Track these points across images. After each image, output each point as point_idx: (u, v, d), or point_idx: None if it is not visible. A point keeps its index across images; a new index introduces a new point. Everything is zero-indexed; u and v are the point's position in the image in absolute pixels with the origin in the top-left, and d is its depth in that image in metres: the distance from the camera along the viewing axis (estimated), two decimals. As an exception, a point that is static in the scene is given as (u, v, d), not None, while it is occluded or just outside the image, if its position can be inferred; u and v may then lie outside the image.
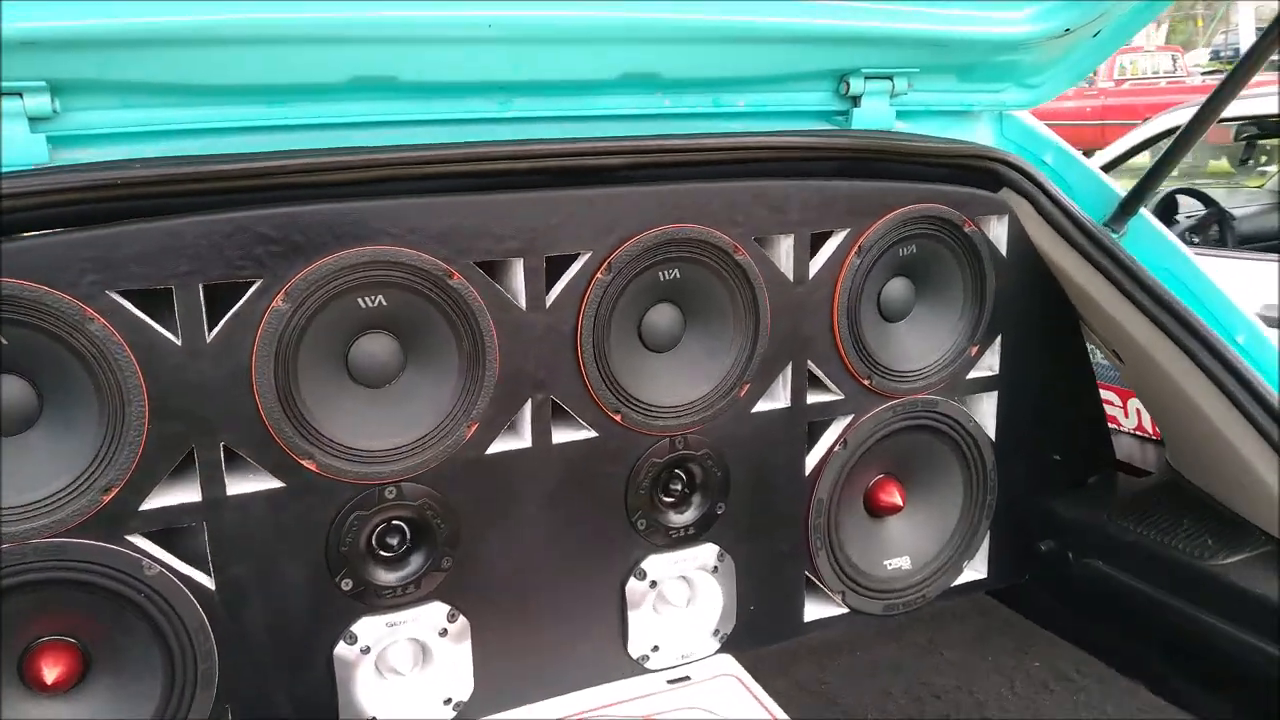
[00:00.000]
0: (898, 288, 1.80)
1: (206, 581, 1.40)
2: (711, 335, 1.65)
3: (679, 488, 1.69)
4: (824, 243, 1.70)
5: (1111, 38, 1.78)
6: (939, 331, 1.84)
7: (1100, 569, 1.88)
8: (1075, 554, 1.93)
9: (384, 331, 1.44)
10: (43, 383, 1.28)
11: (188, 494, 1.37)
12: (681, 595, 1.71)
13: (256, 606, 1.43)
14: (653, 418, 1.61)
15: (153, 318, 1.30)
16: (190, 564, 1.39)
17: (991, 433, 1.93)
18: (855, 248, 1.69)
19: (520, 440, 1.55)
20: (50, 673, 1.33)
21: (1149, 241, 1.81)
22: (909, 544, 1.93)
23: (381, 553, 1.49)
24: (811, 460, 1.79)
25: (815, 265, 1.70)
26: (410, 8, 1.32)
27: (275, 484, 1.40)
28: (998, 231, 1.85)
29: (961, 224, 1.76)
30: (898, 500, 1.87)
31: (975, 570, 2.01)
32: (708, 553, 1.72)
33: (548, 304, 1.51)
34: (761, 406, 1.72)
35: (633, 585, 1.67)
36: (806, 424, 1.76)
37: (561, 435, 1.58)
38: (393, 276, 1.39)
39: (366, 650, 1.49)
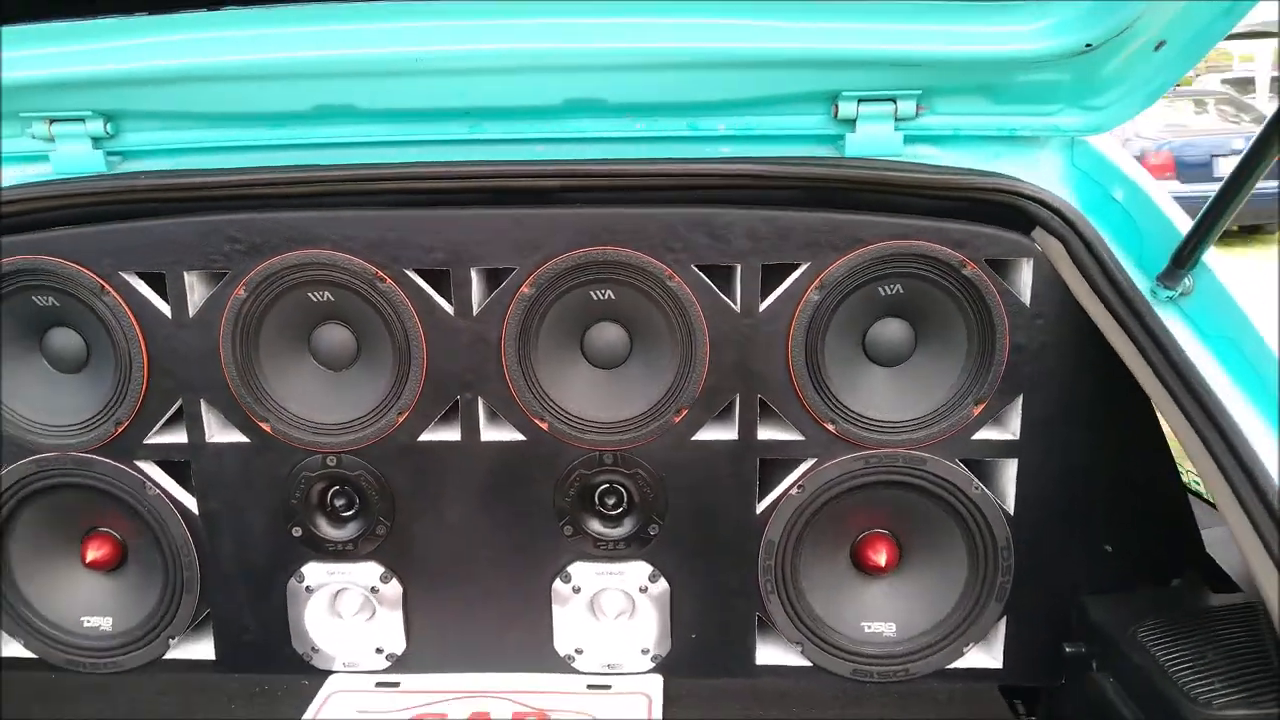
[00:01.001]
0: (892, 330, 1.65)
1: (192, 507, 1.75)
2: (652, 357, 1.66)
3: (615, 502, 1.73)
4: (787, 275, 1.61)
5: (1184, 52, 1.45)
6: (933, 383, 1.65)
7: (1111, 688, 1.56)
8: (1099, 664, 1.62)
9: (340, 323, 1.67)
10: (85, 335, 1.70)
11: (179, 437, 1.72)
12: (613, 607, 1.75)
13: (229, 535, 1.75)
14: (581, 430, 1.67)
15: (156, 295, 1.66)
16: (180, 493, 1.75)
17: (1010, 505, 1.68)
18: (816, 282, 1.58)
19: (452, 433, 1.70)
20: (94, 553, 1.77)
21: (1212, 304, 1.46)
22: (895, 610, 1.76)
23: (328, 511, 1.75)
24: (764, 499, 1.71)
25: (770, 298, 1.62)
26: (347, 47, 1.52)
27: (242, 439, 1.71)
28: (1022, 277, 1.60)
29: (960, 265, 1.56)
30: (883, 560, 1.71)
31: (985, 658, 1.77)
32: (638, 570, 1.73)
33: (475, 312, 1.64)
34: (705, 435, 1.68)
35: (558, 586, 1.74)
36: (757, 460, 1.69)
37: (491, 434, 1.70)
38: (332, 276, 1.62)
39: (310, 590, 1.76)
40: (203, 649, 1.82)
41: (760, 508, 1.71)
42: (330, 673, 1.80)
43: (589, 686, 1.75)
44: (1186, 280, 1.47)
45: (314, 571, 1.76)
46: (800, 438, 1.67)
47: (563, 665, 1.78)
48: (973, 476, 1.66)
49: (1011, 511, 1.68)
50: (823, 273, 1.58)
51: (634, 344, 1.67)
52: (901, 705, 1.70)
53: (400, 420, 1.67)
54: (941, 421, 1.64)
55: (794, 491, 1.68)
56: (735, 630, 1.76)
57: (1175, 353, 1.41)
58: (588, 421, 1.67)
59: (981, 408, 1.63)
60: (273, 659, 1.80)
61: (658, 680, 1.76)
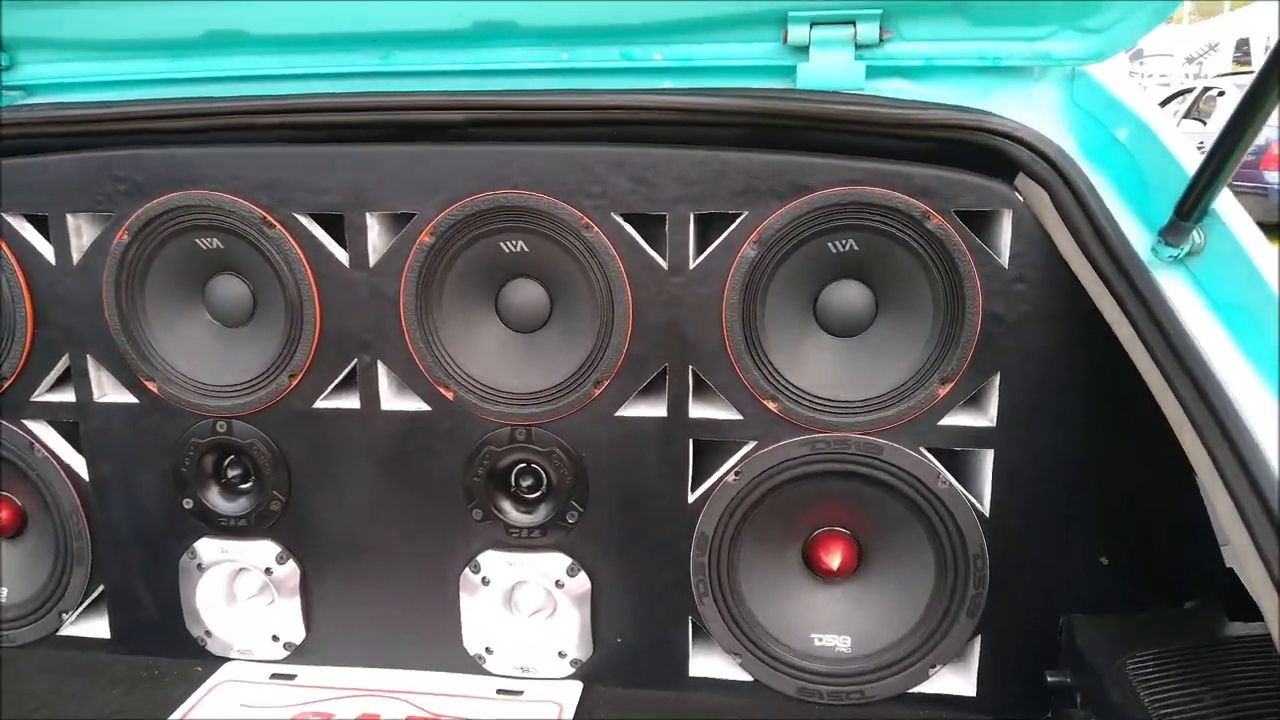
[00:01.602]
0: (847, 295, 1.41)
1: (82, 472, 1.61)
2: (572, 321, 1.46)
3: (531, 484, 1.53)
4: (724, 228, 1.39)
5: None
6: (894, 357, 1.40)
7: (1088, 727, 1.30)
8: (1083, 699, 1.36)
9: (236, 275, 1.52)
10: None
11: (68, 395, 1.59)
12: (528, 603, 1.55)
13: (121, 504, 1.61)
14: (490, 401, 1.48)
15: (42, 238, 1.53)
16: (70, 455, 1.62)
17: (985, 505, 1.43)
18: (754, 236, 1.36)
19: (351, 400, 1.52)
20: (-11, 520, 1.65)
21: (1226, 266, 1.19)
22: (851, 621, 1.51)
23: (223, 482, 1.59)
24: (696, 486, 1.49)
25: (703, 254, 1.40)
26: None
27: (131, 399, 1.57)
28: (1000, 234, 1.35)
29: (924, 218, 1.32)
30: (836, 562, 1.48)
31: (957, 683, 1.51)
32: (555, 563, 1.53)
33: (372, 264, 1.46)
34: (630, 411, 1.47)
35: (467, 577, 1.55)
36: (690, 441, 1.47)
37: (393, 403, 1.52)
38: (219, 220, 1.46)
39: (202, 568, 1.61)
40: (99, 627, 1.69)
41: (693, 496, 1.49)
42: (227, 659, 1.64)
43: (499, 691, 1.55)
44: (1195, 236, 1.20)
45: (206, 548, 1.60)
46: (738, 417, 1.45)
47: (473, 666, 1.58)
48: (940, 469, 1.41)
49: (987, 512, 1.43)
50: (761, 224, 1.36)
51: (554, 305, 1.47)
52: (854, 732, 1.46)
53: (293, 384, 1.50)
54: (902, 403, 1.39)
55: (730, 479, 1.46)
56: (666, 636, 1.55)
57: (1171, 326, 1.15)
58: (497, 391, 1.47)
59: (949, 388, 1.38)
60: (166, 641, 1.65)
61: (576, 688, 1.55)
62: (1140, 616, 1.41)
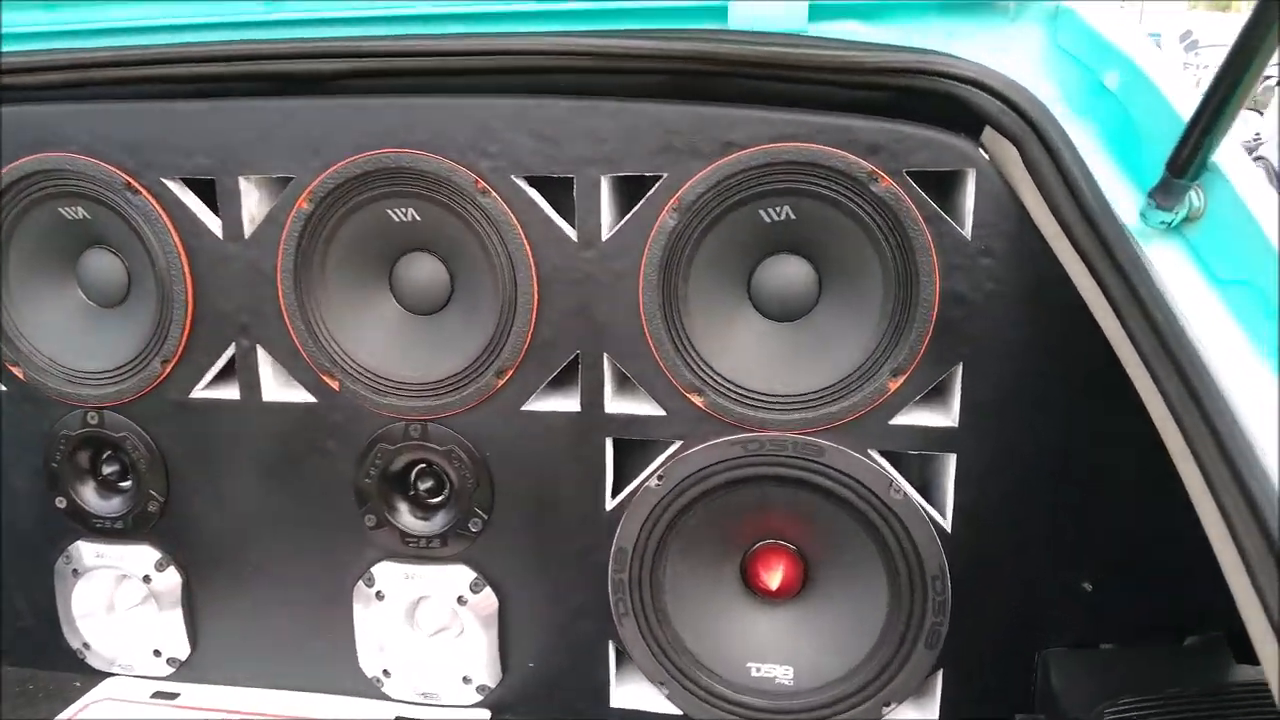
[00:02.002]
0: (786, 272, 1.21)
1: (-49, 469, 1.47)
2: (473, 300, 1.28)
3: (432, 487, 1.35)
4: (645, 192, 1.20)
5: None
6: (839, 345, 1.20)
7: (1056, 788, 1.09)
8: (1058, 753, 1.15)
9: (108, 248, 1.36)
10: None
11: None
12: (430, 622, 1.37)
13: (-6, 503, 1.46)
14: (381, 392, 1.30)
15: None
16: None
17: (946, 519, 1.22)
18: (673, 202, 1.17)
19: (231, 390, 1.35)
20: None
21: (1230, 232, 0.97)
22: (795, 650, 1.32)
23: (99, 479, 1.43)
24: (618, 492, 1.30)
25: (617, 223, 1.21)
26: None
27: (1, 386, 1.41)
28: (963, 199, 1.14)
29: (869, 180, 1.12)
30: (775, 582, 1.28)
31: (915, 722, 1.31)
32: (457, 577, 1.35)
33: (247, 235, 1.29)
34: (539, 405, 1.29)
35: (360, 590, 1.38)
36: (608, 441, 1.28)
37: (276, 394, 1.35)
38: (81, 187, 1.30)
39: (77, 573, 1.45)
40: (-24, 636, 1.55)
41: (612, 504, 1.30)
42: (109, 674, 1.49)
43: (398, 718, 1.38)
44: (1192, 197, 0.99)
45: (83, 552, 1.44)
46: (661, 413, 1.25)
47: (371, 689, 1.41)
48: (892, 475, 1.21)
49: (948, 527, 1.22)
50: (681, 188, 1.16)
51: (455, 284, 1.29)
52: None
53: (166, 371, 1.34)
54: (846, 398, 1.19)
55: (652, 484, 1.26)
56: (584, 662, 1.36)
57: (1157, 308, 0.93)
58: (389, 381, 1.30)
59: (901, 381, 1.17)
60: (46, 653, 1.50)
61: (482, 718, 1.37)
62: (1128, 654, 1.20)
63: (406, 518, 1.35)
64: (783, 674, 1.31)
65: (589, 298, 1.23)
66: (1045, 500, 1.19)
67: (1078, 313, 1.08)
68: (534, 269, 1.22)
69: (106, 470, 1.42)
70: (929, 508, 1.21)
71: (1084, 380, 1.14)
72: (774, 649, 1.31)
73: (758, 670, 1.31)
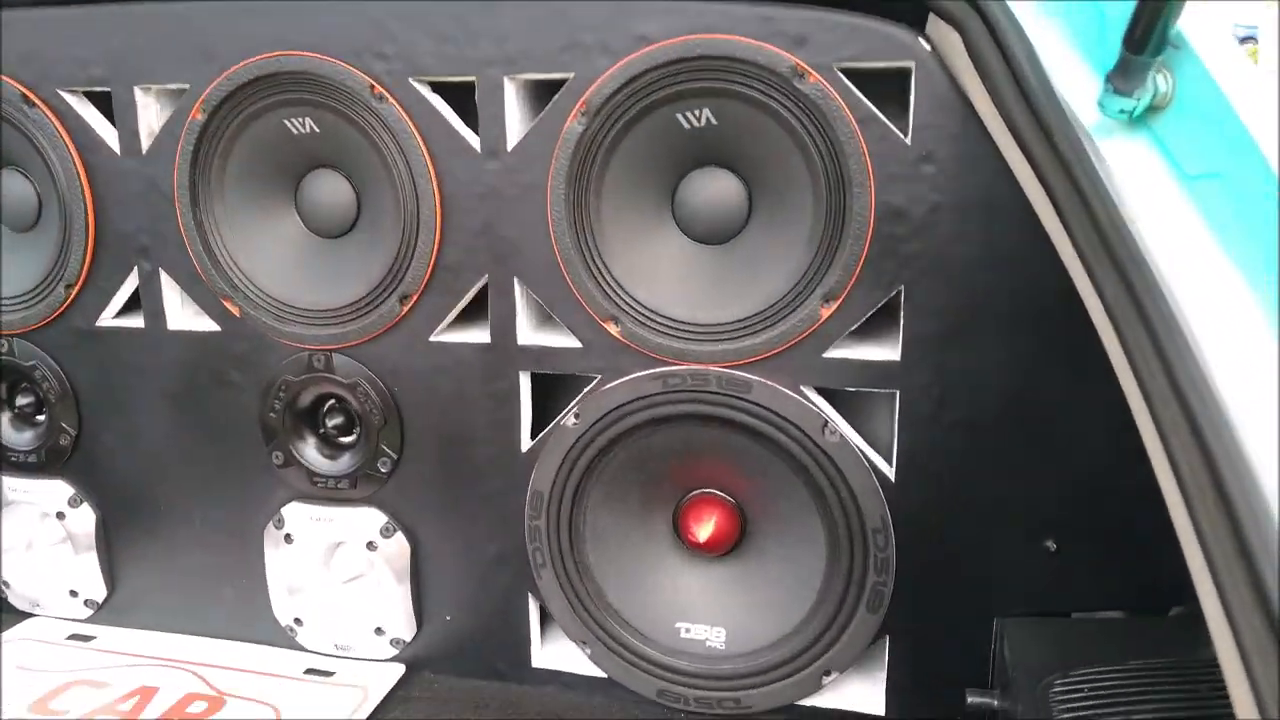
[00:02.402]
0: (713, 188, 1.08)
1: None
2: (379, 223, 1.17)
3: (341, 424, 1.26)
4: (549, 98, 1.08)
5: None
6: (768, 268, 1.07)
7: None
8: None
9: (17, 169, 1.29)
10: None
11: None
12: (342, 568, 1.28)
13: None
14: (283, 320, 1.21)
15: None
16: None
17: (889, 466, 1.08)
18: (580, 105, 1.04)
19: (137, 318, 1.28)
20: None
21: (1200, 118, 0.81)
22: (727, 611, 1.19)
23: (11, 411, 1.38)
24: (529, 431, 1.19)
25: (522, 130, 1.09)
26: None
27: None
28: (899, 97, 1.00)
29: (794, 75, 0.98)
30: (705, 534, 1.15)
31: (860, 696, 1.17)
32: (367, 520, 1.25)
33: (145, 150, 1.21)
34: (448, 336, 1.18)
35: (270, 532, 1.29)
36: (523, 376, 1.17)
37: (181, 322, 1.27)
38: (-22, 100, 1.24)
39: (-7, 511, 1.40)
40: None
41: (529, 444, 1.19)
42: (32, 615, 1.44)
43: (307, 671, 1.29)
44: (1158, 81, 0.83)
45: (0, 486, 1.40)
46: (576, 344, 1.14)
47: (285, 637, 1.33)
48: (827, 415, 1.07)
49: (891, 475, 1.08)
50: (588, 90, 1.04)
51: (362, 203, 1.19)
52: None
53: (71, 296, 1.27)
54: (773, 327, 1.06)
55: (569, 422, 1.15)
56: (504, 617, 1.26)
57: (1106, 217, 0.78)
58: (291, 308, 1.21)
59: (834, 307, 1.04)
60: (-31, 592, 1.46)
61: (395, 673, 1.28)
62: (1099, 624, 1.05)
63: (314, 456, 1.26)
64: (714, 636, 1.18)
65: (496, 215, 1.12)
66: (1001, 444, 1.04)
67: (1032, 227, 0.93)
68: (436, 182, 1.11)
69: (21, 402, 1.37)
70: (870, 452, 1.08)
71: (1042, 306, 0.99)
72: (705, 609, 1.19)
73: (687, 631, 1.19)
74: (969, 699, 1.04)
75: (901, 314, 1.03)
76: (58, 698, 1.24)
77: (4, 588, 1.43)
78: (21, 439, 1.37)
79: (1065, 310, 0.96)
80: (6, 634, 1.39)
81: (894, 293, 1.02)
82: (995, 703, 1.04)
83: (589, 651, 1.22)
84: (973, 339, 1.02)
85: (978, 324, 1.01)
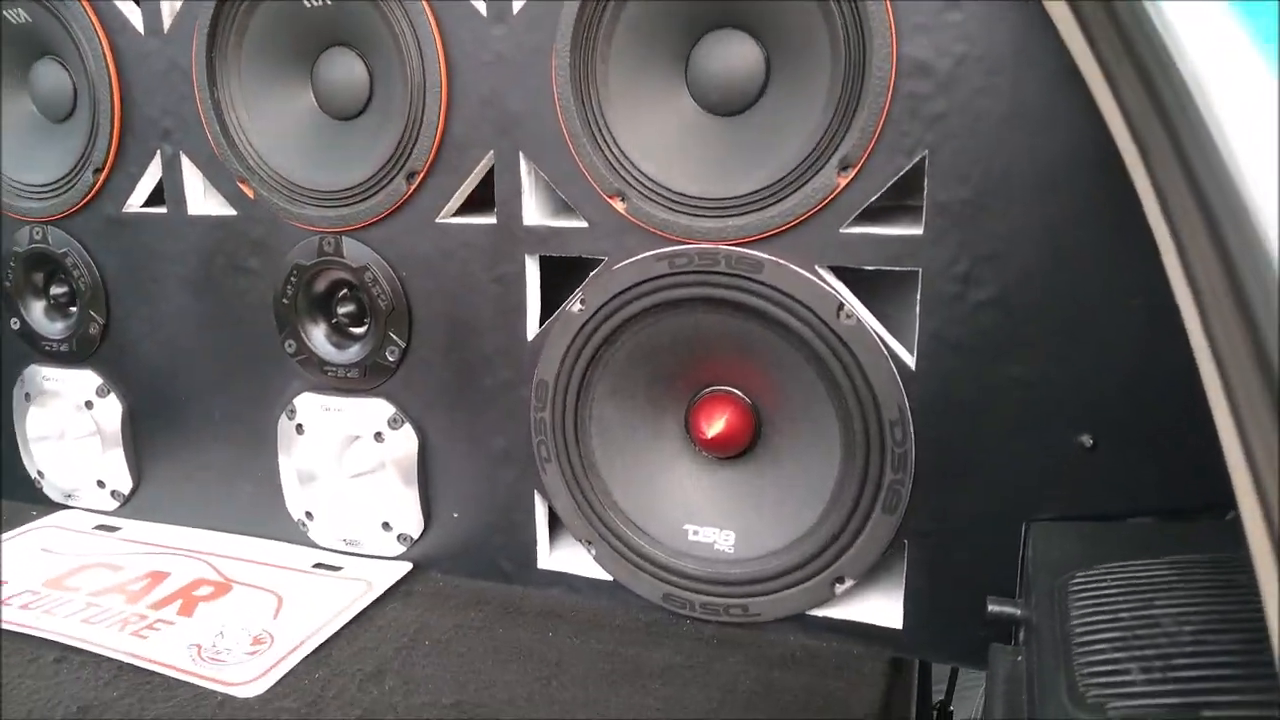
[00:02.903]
0: (728, 53, 1.01)
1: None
2: (390, 101, 1.15)
3: (353, 312, 1.24)
4: (562, -42, 1.04)
5: None
6: (783, 136, 0.99)
7: (1004, 672, 0.86)
8: (1025, 631, 0.91)
9: (53, 56, 1.31)
10: None
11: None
12: (355, 462, 1.26)
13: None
14: (295, 201, 1.19)
15: None
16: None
17: (909, 353, 1.00)
18: (586, -37, 1.00)
19: (160, 207, 1.28)
20: None
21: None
22: (738, 513, 1.12)
23: (45, 300, 1.40)
24: (535, 318, 1.14)
25: (528, -7, 1.05)
26: None
27: (-41, 204, 1.40)
28: (929, -63, 0.92)
29: (809, -85, 0.91)
30: (715, 431, 1.09)
31: (875, 607, 1.09)
32: (376, 411, 1.23)
33: (166, 28, 1.21)
34: (456, 219, 1.14)
35: (283, 424, 1.28)
36: (530, 259, 1.12)
37: (201, 206, 1.27)
38: (14, -16, 1.26)
39: (30, 397, 1.42)
40: (-40, 464, 1.56)
41: (534, 332, 1.14)
42: (64, 507, 1.46)
43: (315, 565, 1.28)
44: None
45: (32, 376, 1.42)
46: (582, 224, 1.09)
47: (297, 532, 1.32)
48: (843, 296, 0.99)
49: (912, 363, 1.00)
50: (594, -56, 0.99)
51: (374, 83, 1.16)
52: (732, 661, 1.07)
53: (99, 182, 1.28)
54: (785, 199, 0.99)
55: (575, 308, 1.10)
56: (510, 515, 1.22)
57: (1152, 54, 0.69)
58: (303, 190, 1.19)
59: (852, 175, 0.96)
60: (9, 482, 1.49)
61: (401, 570, 1.25)
62: (1136, 525, 0.95)
63: (325, 345, 1.24)
64: (723, 539, 1.12)
65: (503, 84, 1.07)
66: (1032, 327, 0.95)
67: (1069, 79, 0.84)
68: (441, 49, 1.07)
69: (55, 291, 1.39)
70: (888, 337, 1.00)
71: (1079, 171, 0.89)
72: (715, 511, 1.13)
73: (695, 534, 1.13)
74: (989, 607, 0.95)
75: (925, 182, 0.95)
76: (74, 577, 1.25)
77: (39, 478, 1.45)
78: (55, 328, 1.39)
79: (1104, 175, 0.88)
80: (38, 522, 1.42)
81: (917, 159, 0.94)
82: (1018, 611, 0.95)
83: (594, 552, 1.17)
84: (1002, 209, 0.93)
85: (1008, 192, 0.92)
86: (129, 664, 1.05)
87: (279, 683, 1.02)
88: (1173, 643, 0.69)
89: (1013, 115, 0.90)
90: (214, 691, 1.00)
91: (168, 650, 1.07)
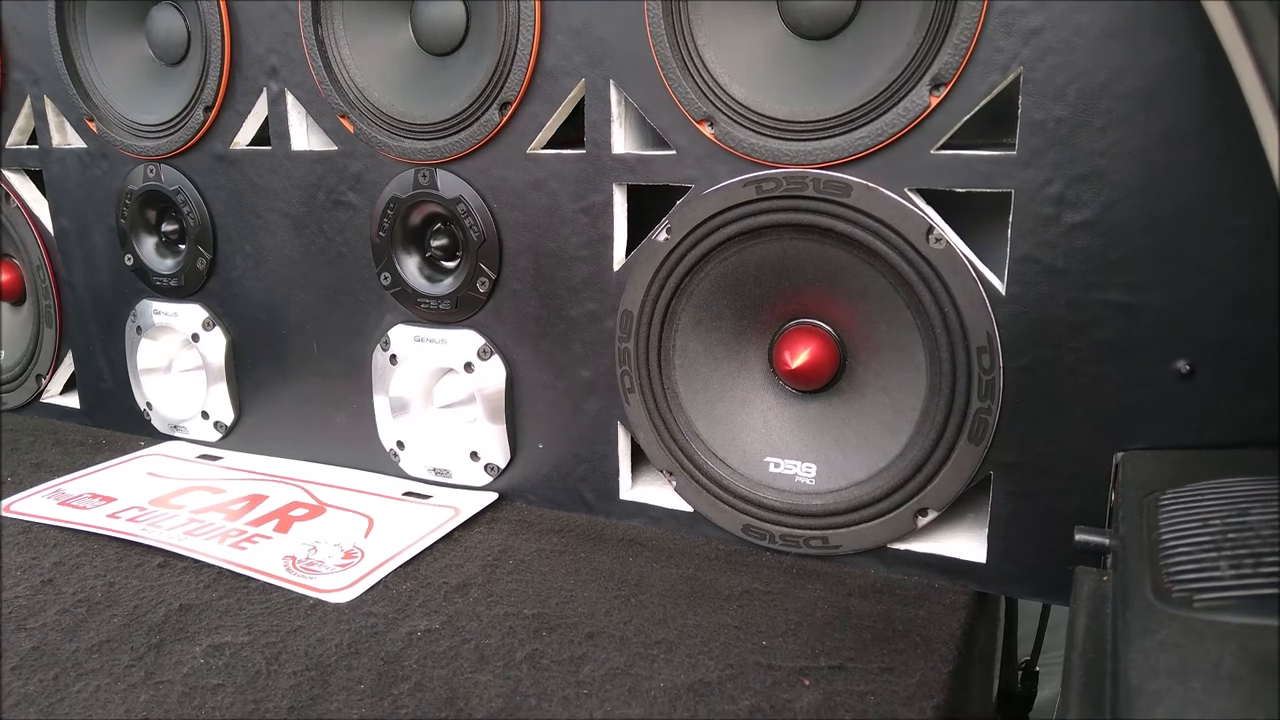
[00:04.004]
0: (821, -24, 1.02)
1: (49, 226, 1.56)
2: (485, 36, 1.17)
3: (446, 245, 1.27)
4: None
5: None
6: (876, 62, 0.99)
7: (1088, 591, 0.84)
8: (1113, 558, 0.89)
9: (172, 6, 1.38)
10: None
11: (27, 139, 1.54)
12: (445, 393, 1.30)
13: (79, 261, 1.54)
14: (393, 134, 1.23)
15: None
16: (39, 208, 1.56)
17: (999, 278, 0.98)
18: (681, -113, 1.01)
19: (266, 143, 1.34)
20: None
21: None
22: (820, 445, 1.12)
23: (157, 236, 1.47)
24: (622, 249, 1.16)
25: (626, -78, 1.07)
26: None
27: (81, 144, 1.48)
28: None
29: None
30: (799, 362, 1.09)
31: (958, 541, 1.07)
32: (466, 342, 1.26)
33: (274, -32, 1.26)
34: (545, 149, 1.17)
35: (377, 356, 1.32)
36: (617, 188, 1.14)
37: (303, 142, 1.31)
38: (136, -68, 1.32)
39: (141, 330, 1.50)
40: (74, 396, 1.65)
41: (620, 262, 1.16)
42: (171, 438, 1.54)
43: (405, 493, 1.32)
44: None
45: (145, 310, 1.49)
46: (671, 152, 1.10)
47: (388, 463, 1.36)
48: (933, 220, 0.98)
49: (1002, 288, 0.98)
50: None
51: (471, 19, 1.19)
52: (810, 589, 1.07)
53: (209, 120, 1.34)
54: (875, 118, 0.98)
55: (660, 236, 1.11)
56: (594, 446, 1.23)
57: None
58: (400, 123, 1.22)
59: (944, 94, 0.95)
60: (120, 414, 1.57)
61: (487, 499, 1.28)
62: (1234, 452, 0.92)
63: (418, 278, 1.28)
64: (803, 472, 1.12)
65: (594, 14, 1.09)
66: (1129, 249, 0.92)
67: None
68: (537, -17, 1.10)
69: (167, 228, 1.46)
70: (977, 262, 0.98)
71: (1182, 84, 0.87)
72: (797, 444, 1.13)
73: (776, 465, 1.13)
74: (1077, 535, 0.93)
75: (1020, 100, 0.93)
76: (178, 497, 1.31)
77: (148, 409, 1.53)
78: (165, 264, 1.46)
79: (1209, 87, 0.85)
80: (145, 450, 1.49)
81: (1012, 76, 0.93)
82: (1107, 540, 0.93)
83: (674, 483, 1.18)
84: (1100, 127, 0.91)
85: (1107, 109, 0.90)
86: (228, 570, 1.10)
87: (368, 591, 1.05)
88: (1265, 543, 0.67)
89: (1113, 25, 0.88)
90: (307, 596, 1.04)
91: (264, 560, 1.12)
